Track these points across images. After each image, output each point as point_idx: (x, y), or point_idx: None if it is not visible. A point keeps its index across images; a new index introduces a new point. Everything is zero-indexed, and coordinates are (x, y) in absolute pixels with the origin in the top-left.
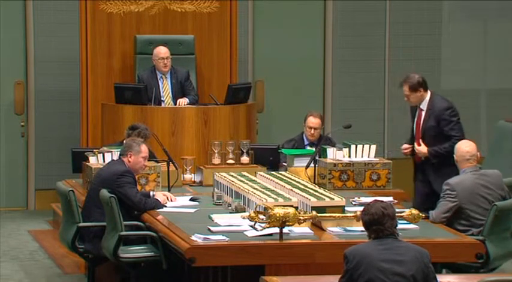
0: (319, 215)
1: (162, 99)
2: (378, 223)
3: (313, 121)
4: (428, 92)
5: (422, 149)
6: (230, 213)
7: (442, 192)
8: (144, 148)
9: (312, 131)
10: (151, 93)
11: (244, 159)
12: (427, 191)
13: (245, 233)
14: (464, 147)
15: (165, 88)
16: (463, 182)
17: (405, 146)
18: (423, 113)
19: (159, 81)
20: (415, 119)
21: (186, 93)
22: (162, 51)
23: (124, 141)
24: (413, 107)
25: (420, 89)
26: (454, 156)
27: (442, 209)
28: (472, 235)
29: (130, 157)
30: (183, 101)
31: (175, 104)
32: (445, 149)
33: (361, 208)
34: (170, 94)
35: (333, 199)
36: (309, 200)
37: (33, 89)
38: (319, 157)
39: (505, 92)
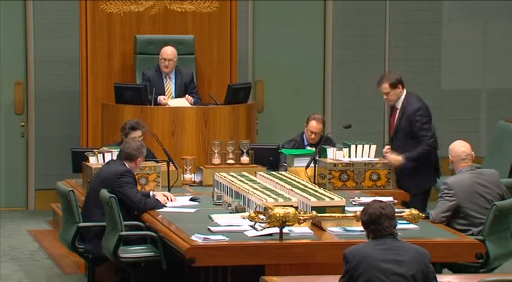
0: (319, 215)
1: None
2: (376, 223)
3: (315, 126)
4: (405, 91)
5: (395, 157)
6: (230, 213)
7: (440, 192)
8: (145, 149)
9: (313, 136)
10: (154, 91)
11: (244, 159)
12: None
13: (245, 233)
14: (459, 147)
15: (168, 88)
16: (460, 181)
17: (387, 147)
18: (397, 113)
19: (163, 80)
20: (391, 118)
21: (189, 95)
22: (166, 52)
23: (123, 142)
24: (391, 108)
25: (399, 86)
26: (450, 156)
27: (441, 209)
28: (472, 235)
29: (138, 161)
30: (190, 99)
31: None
32: (418, 154)
33: (361, 208)
34: (173, 94)
35: (333, 199)
36: (309, 200)
37: (33, 89)
38: (319, 157)
39: (505, 92)
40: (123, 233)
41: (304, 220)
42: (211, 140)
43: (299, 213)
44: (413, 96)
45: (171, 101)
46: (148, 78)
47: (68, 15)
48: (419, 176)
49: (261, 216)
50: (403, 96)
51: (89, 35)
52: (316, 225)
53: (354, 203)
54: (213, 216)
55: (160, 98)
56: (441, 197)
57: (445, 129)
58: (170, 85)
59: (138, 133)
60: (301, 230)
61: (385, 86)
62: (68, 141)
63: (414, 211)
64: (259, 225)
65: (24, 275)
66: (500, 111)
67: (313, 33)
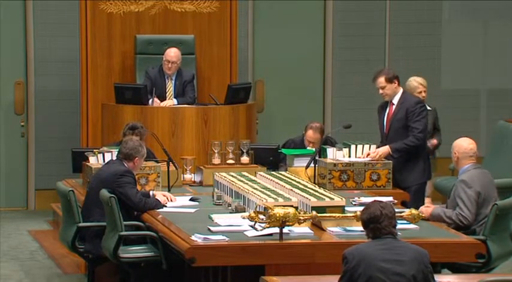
0: (319, 215)
1: (165, 98)
2: (375, 221)
3: (311, 136)
4: (401, 89)
5: (382, 149)
6: (230, 213)
7: (460, 191)
8: (145, 149)
9: (311, 145)
10: (154, 91)
11: (244, 159)
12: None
13: (245, 233)
14: (467, 144)
15: (169, 88)
16: (474, 176)
17: (368, 152)
18: (394, 107)
19: (165, 81)
20: (386, 114)
21: (184, 94)
22: (170, 54)
23: (122, 142)
24: (381, 106)
25: (395, 81)
26: (454, 152)
27: (471, 208)
28: (474, 233)
29: (136, 161)
30: (167, 103)
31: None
32: (406, 144)
33: (361, 208)
34: (172, 94)
35: (333, 199)
36: (309, 200)
37: (33, 89)
38: (319, 157)
39: (505, 92)
40: (123, 233)
41: (304, 220)
42: (211, 140)
43: (299, 213)
44: (410, 94)
45: (163, 102)
46: (150, 77)
47: (68, 15)
48: (411, 169)
49: (261, 216)
50: (399, 93)
51: (89, 35)
52: (316, 225)
53: (354, 203)
54: (213, 216)
55: (161, 104)
56: (464, 195)
57: (445, 129)
58: (171, 86)
59: (137, 136)
60: (301, 230)
61: (381, 80)
62: (68, 141)
63: (414, 211)
64: (259, 225)
65: (24, 275)
66: (500, 111)
67: (313, 33)
